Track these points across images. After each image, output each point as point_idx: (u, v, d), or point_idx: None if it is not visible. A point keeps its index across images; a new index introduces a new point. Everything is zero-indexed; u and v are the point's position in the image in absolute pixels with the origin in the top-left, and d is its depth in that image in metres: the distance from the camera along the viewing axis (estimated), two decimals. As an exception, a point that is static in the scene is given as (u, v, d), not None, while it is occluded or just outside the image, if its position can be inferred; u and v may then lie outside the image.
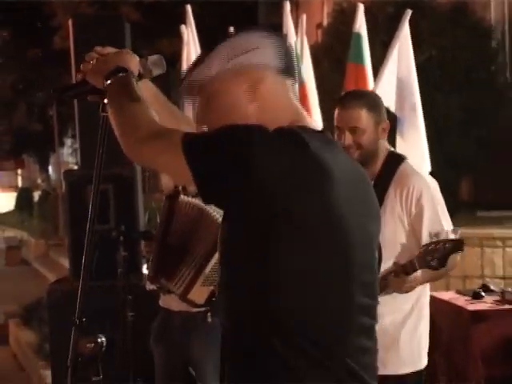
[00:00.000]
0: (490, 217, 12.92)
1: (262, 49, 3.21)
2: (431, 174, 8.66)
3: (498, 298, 7.61)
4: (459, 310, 7.57)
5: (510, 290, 7.62)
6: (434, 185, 5.74)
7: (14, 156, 29.10)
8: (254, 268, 3.02)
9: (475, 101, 14.06)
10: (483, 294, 7.73)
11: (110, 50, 3.43)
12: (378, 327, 3.69)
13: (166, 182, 6.50)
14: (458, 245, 5.17)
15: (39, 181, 31.19)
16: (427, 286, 5.70)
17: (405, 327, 5.62)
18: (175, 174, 3.26)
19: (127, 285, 7.45)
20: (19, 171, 36.09)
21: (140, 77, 3.39)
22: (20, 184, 36.58)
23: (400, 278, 5.20)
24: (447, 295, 8.04)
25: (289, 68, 3.25)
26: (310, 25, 19.99)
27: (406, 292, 5.34)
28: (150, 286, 6.95)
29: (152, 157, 3.10)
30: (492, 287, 7.91)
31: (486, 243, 11.15)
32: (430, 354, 7.59)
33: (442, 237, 5.17)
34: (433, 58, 13.34)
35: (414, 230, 5.36)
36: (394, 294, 5.40)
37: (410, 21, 8.65)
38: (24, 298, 16.36)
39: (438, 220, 5.43)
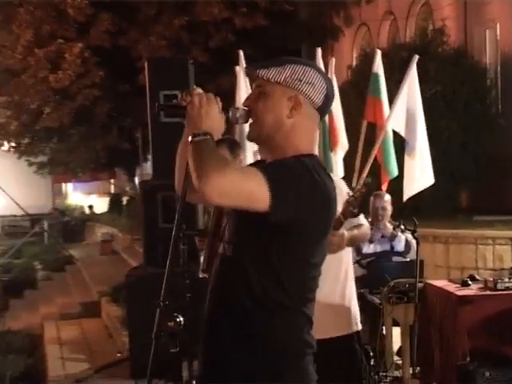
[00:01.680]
0: (483, 220, 12.86)
1: (317, 87, 3.43)
2: (434, 185, 8.74)
3: (481, 285, 7.61)
4: (450, 294, 7.57)
5: (491, 279, 7.61)
6: (342, 185, 5.92)
7: (108, 169, 29.17)
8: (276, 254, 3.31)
9: (473, 126, 14.03)
10: (470, 282, 7.73)
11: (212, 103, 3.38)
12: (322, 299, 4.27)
13: None
14: (367, 188, 5.46)
15: (127, 188, 31.23)
16: (350, 259, 5.94)
17: (344, 297, 5.83)
18: (244, 194, 3.20)
19: (186, 271, 7.49)
20: (112, 180, 36.04)
21: (227, 121, 3.43)
22: (112, 191, 36.59)
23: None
24: (441, 283, 8.05)
25: (324, 108, 3.52)
26: (342, 66, 19.98)
27: (338, 248, 5.45)
28: (202, 275, 6.96)
29: (234, 184, 3.15)
30: (477, 277, 7.92)
31: (480, 242, 11.19)
32: (427, 328, 7.62)
33: (356, 190, 5.46)
34: (438, 93, 13.31)
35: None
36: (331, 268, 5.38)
37: (420, 63, 8.70)
38: (113, 281, 16.40)
39: None
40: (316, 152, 3.53)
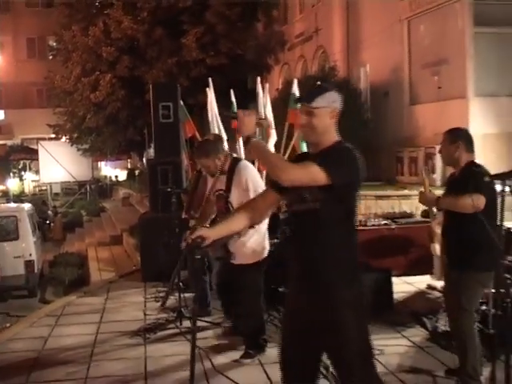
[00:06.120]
0: (368, 185, 12.89)
1: (340, 101, 3.51)
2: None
3: (357, 223, 7.67)
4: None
5: (363, 220, 7.71)
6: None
7: (126, 153, 28.95)
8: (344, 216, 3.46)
9: (352, 127, 14.01)
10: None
11: (250, 114, 3.45)
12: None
13: (204, 165, 5.99)
14: None
15: (138, 165, 31.03)
16: None
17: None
18: (308, 178, 3.31)
19: (176, 216, 7.41)
20: (129, 160, 35.85)
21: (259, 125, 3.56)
22: (129, 166, 36.39)
23: None
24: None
25: (339, 112, 3.54)
26: (272, 88, 19.91)
27: None
28: (184, 216, 6.90)
29: (299, 175, 3.29)
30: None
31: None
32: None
33: None
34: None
35: None
36: None
37: (320, 87, 8.65)
38: (130, 222, 16.32)
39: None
40: None
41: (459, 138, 4.79)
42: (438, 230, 5.01)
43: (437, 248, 5.53)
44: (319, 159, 3.34)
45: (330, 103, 3.47)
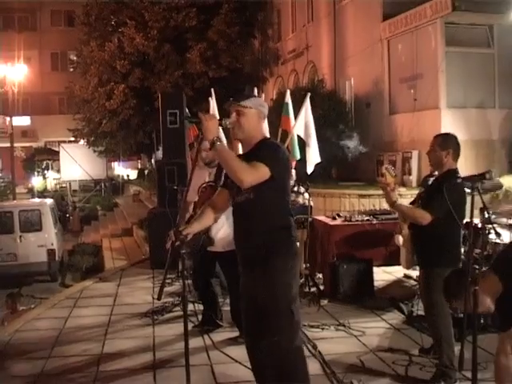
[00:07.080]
0: (344, 184, 12.95)
1: (265, 107, 3.68)
2: (317, 165, 8.71)
3: (343, 219, 7.66)
4: (326, 224, 7.62)
5: (348, 215, 7.68)
6: None
7: (136, 153, 28.88)
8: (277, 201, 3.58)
9: (338, 134, 14.05)
10: (337, 217, 7.77)
11: (211, 118, 3.39)
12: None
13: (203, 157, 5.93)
14: None
15: (147, 165, 30.90)
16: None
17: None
18: (260, 177, 3.41)
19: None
20: (139, 161, 35.76)
21: (221, 125, 3.49)
22: (139, 166, 36.31)
23: None
24: (321, 217, 8.10)
25: (265, 117, 3.69)
26: (267, 98, 19.89)
27: None
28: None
29: (255, 176, 3.37)
30: (341, 214, 7.96)
31: (342, 196, 11.28)
32: (313, 242, 7.56)
33: None
34: (321, 114, 13.27)
35: None
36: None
37: (311, 98, 8.65)
38: (140, 216, 16.28)
39: None
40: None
41: (450, 145, 4.47)
42: (405, 224, 4.90)
43: (400, 239, 5.49)
44: (254, 157, 3.45)
45: (257, 106, 3.60)
